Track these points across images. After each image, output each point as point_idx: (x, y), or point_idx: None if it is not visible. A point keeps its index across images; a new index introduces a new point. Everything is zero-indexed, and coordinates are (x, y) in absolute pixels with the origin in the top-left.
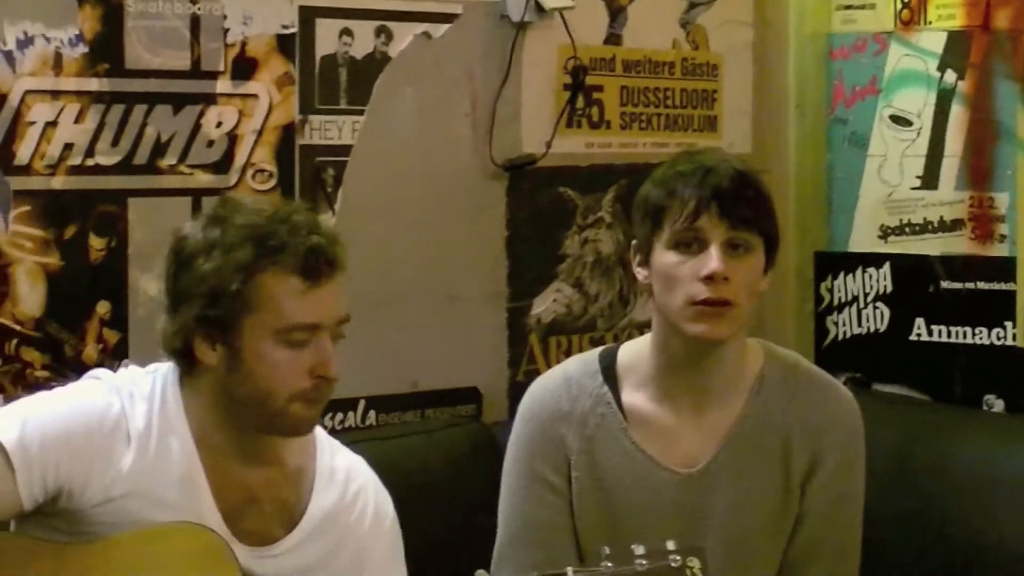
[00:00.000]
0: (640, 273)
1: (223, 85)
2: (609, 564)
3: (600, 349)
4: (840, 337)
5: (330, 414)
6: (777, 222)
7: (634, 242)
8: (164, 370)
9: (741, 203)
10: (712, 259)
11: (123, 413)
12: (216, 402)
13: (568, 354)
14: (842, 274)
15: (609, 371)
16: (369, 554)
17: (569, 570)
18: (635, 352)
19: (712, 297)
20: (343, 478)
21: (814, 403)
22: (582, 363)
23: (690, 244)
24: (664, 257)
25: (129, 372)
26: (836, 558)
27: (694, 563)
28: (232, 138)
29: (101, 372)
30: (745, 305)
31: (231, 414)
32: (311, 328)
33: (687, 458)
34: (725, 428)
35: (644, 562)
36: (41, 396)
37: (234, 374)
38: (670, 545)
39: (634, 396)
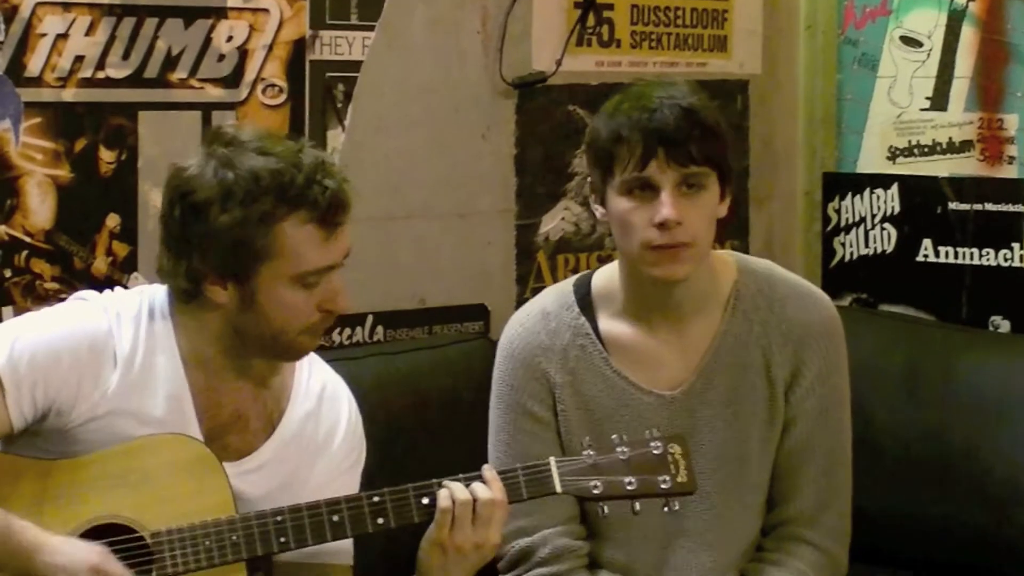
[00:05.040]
0: (598, 211)
1: None
2: (591, 453)
3: (574, 279)
4: (847, 258)
5: (338, 329)
6: (727, 149)
7: (589, 180)
8: (152, 292)
9: (689, 144)
10: (664, 206)
11: (110, 333)
12: (221, 332)
13: (576, 271)
14: (850, 195)
15: (585, 301)
16: (335, 466)
17: (552, 460)
18: (608, 279)
19: (668, 243)
20: (318, 390)
21: (792, 311)
22: (557, 295)
23: (642, 189)
24: (617, 203)
25: (116, 293)
26: (828, 459)
27: (675, 449)
28: (243, 52)
29: (87, 293)
30: (703, 241)
31: (235, 343)
32: (326, 270)
33: (670, 380)
34: (704, 347)
35: (625, 450)
36: (29, 317)
37: (246, 313)
38: (651, 433)
39: (611, 324)
